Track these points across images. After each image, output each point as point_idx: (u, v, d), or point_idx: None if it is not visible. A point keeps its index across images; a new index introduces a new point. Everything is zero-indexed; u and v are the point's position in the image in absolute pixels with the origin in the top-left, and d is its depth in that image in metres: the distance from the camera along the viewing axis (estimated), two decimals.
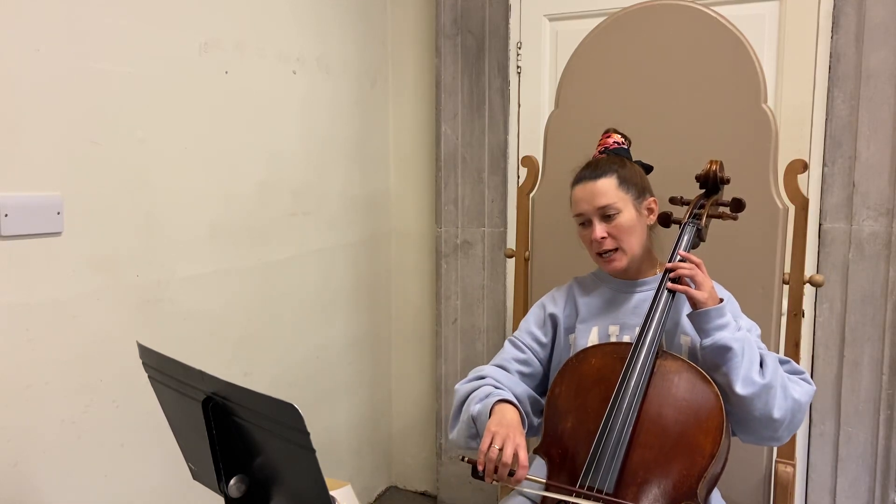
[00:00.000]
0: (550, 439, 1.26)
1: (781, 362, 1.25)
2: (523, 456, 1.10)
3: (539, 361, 1.39)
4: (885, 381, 1.87)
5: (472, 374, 1.35)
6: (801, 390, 1.21)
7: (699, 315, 1.20)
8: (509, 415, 1.18)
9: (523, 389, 1.33)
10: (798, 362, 1.40)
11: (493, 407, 1.21)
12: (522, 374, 1.36)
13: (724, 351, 1.16)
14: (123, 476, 1.56)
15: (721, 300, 1.22)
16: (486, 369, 1.35)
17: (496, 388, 1.28)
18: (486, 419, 1.19)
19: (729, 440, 1.20)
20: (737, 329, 1.20)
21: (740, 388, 1.15)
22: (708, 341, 1.18)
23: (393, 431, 2.70)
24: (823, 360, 1.92)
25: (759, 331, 1.30)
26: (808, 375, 1.26)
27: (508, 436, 1.12)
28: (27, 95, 1.33)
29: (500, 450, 1.09)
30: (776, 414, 1.16)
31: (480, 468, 1.10)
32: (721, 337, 1.17)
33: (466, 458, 1.15)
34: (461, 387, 1.32)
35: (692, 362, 1.22)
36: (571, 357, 1.31)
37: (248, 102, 1.87)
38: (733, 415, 1.20)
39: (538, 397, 1.37)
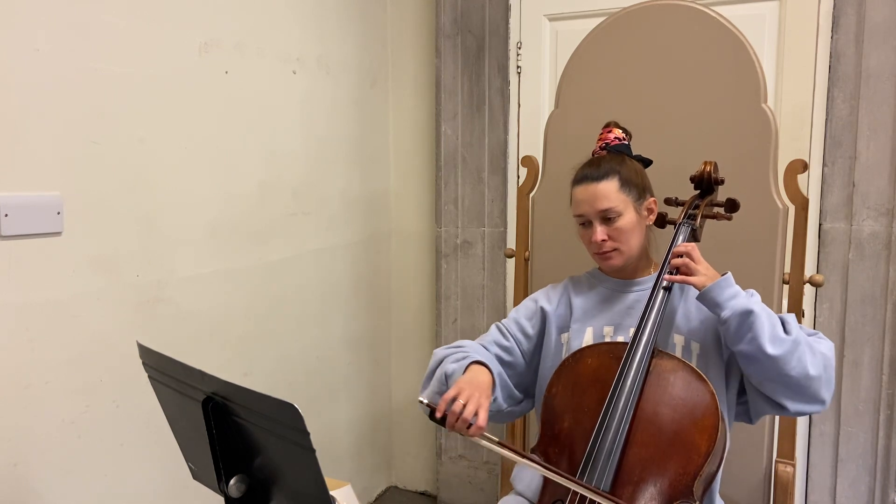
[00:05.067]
0: (547, 439, 1.27)
1: None
2: (483, 416, 1.14)
3: (521, 353, 1.40)
4: (885, 381, 1.87)
5: (454, 343, 1.37)
6: (825, 345, 1.20)
7: (708, 293, 1.19)
8: (482, 376, 1.23)
9: (498, 370, 1.34)
10: None
11: (468, 366, 1.24)
12: (501, 361, 1.37)
13: (746, 316, 1.15)
14: (123, 476, 1.57)
15: (724, 273, 1.21)
16: (467, 342, 1.37)
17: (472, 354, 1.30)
18: (460, 377, 1.22)
19: (725, 439, 1.20)
20: (749, 295, 1.20)
21: (771, 348, 1.14)
22: (727, 313, 1.17)
23: (393, 431, 2.70)
24: None
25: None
26: (822, 334, 1.25)
27: (473, 394, 1.15)
28: (27, 95, 1.34)
29: (465, 405, 1.13)
30: (812, 371, 1.15)
31: (438, 415, 1.14)
32: (738, 304, 1.17)
33: (427, 402, 1.18)
34: (439, 350, 1.34)
35: (687, 361, 1.23)
36: (568, 357, 1.31)
37: (248, 102, 1.87)
38: (771, 382, 1.18)
39: (512, 386, 1.38)
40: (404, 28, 2.50)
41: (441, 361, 1.31)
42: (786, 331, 1.17)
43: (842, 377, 1.91)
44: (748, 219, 1.45)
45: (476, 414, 1.13)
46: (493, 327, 1.43)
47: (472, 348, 1.33)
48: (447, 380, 1.25)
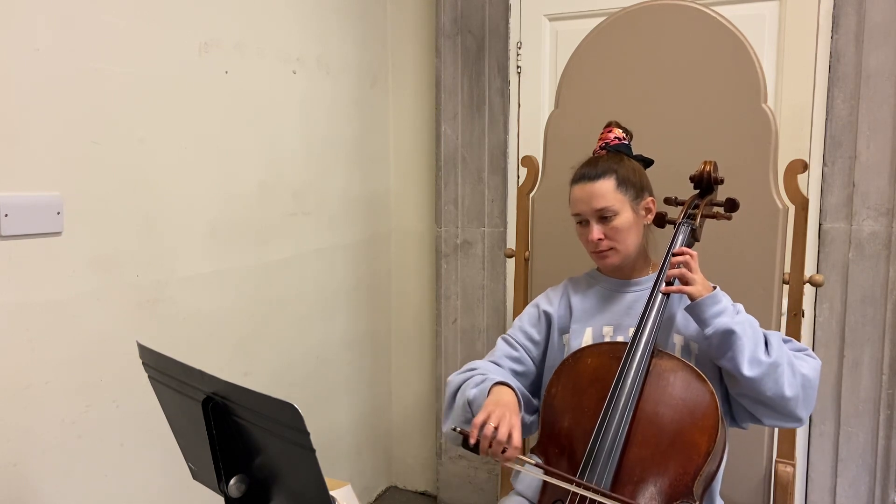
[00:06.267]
0: (547, 438, 1.27)
1: (784, 341, 1.25)
2: (517, 437, 1.12)
3: (532, 360, 1.40)
4: (885, 381, 1.87)
5: (465, 367, 1.36)
6: (809, 366, 1.21)
7: (695, 307, 1.20)
8: (506, 396, 1.20)
9: (516, 385, 1.34)
10: None
11: (490, 388, 1.22)
12: (515, 372, 1.37)
13: (727, 335, 1.16)
14: (123, 476, 1.57)
15: (714, 287, 1.22)
16: (479, 363, 1.36)
17: (490, 374, 1.29)
18: (484, 401, 1.20)
19: (725, 438, 1.20)
20: (735, 313, 1.20)
21: (747, 370, 1.15)
22: (710, 330, 1.18)
23: (393, 431, 2.70)
24: (823, 360, 1.92)
25: (757, 324, 1.30)
26: (811, 351, 1.26)
27: (504, 415, 1.13)
28: (27, 95, 1.34)
29: (496, 428, 1.11)
30: (788, 392, 1.16)
31: (472, 441, 1.12)
32: (721, 323, 1.17)
33: (459, 429, 1.16)
34: (454, 377, 1.33)
35: (686, 360, 1.23)
36: (567, 357, 1.31)
37: (248, 102, 1.87)
38: (747, 398, 1.20)
39: (530, 396, 1.38)
40: (404, 28, 2.50)
41: (459, 388, 1.29)
42: (767, 351, 1.18)
43: (842, 377, 1.91)
44: (748, 219, 1.45)
45: (510, 436, 1.11)
46: (499, 341, 1.42)
47: (486, 369, 1.32)
48: (470, 406, 1.24)
